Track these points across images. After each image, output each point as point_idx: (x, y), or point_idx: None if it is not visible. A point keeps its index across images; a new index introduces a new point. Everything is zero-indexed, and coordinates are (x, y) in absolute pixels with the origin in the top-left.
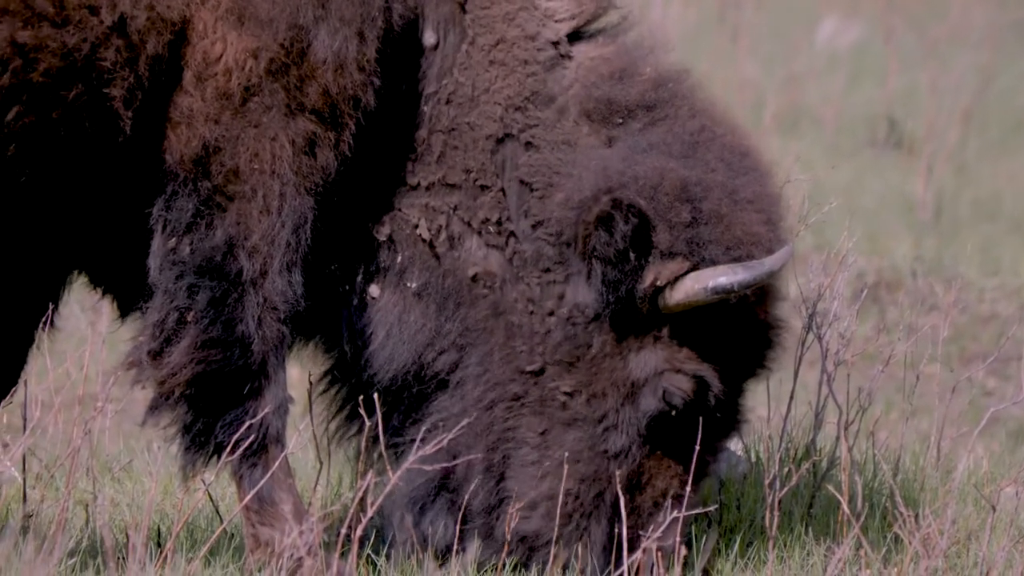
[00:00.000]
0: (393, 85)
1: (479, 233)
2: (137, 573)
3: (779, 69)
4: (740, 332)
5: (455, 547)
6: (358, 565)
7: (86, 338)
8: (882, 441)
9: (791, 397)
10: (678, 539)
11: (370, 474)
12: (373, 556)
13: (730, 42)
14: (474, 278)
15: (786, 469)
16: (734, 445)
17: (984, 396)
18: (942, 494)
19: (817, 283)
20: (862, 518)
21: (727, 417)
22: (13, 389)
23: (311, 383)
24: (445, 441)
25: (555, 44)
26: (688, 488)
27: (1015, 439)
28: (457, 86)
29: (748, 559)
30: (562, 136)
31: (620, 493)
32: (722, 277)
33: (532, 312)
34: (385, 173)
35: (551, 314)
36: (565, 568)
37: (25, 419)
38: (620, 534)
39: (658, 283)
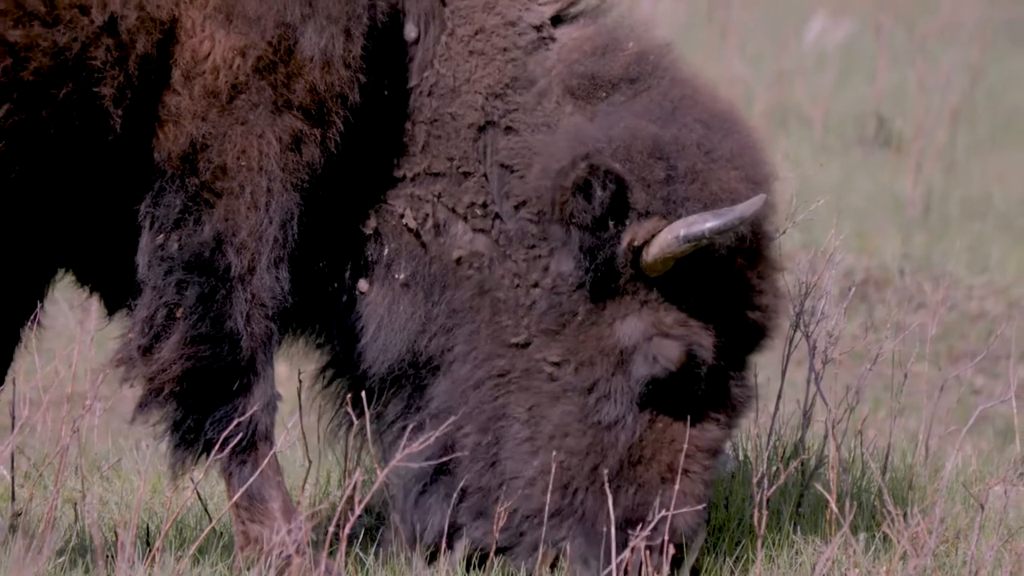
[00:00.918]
0: (377, 80)
1: (464, 218)
2: (126, 571)
3: (768, 66)
4: (732, 297)
5: (443, 544)
6: (346, 563)
7: (74, 336)
8: (870, 440)
9: (779, 395)
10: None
11: (358, 471)
12: (361, 554)
13: (719, 39)
14: (459, 260)
15: (774, 468)
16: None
17: (972, 394)
18: (930, 493)
19: (805, 281)
20: (850, 517)
21: (732, 389)
22: (1, 388)
23: (300, 380)
24: (433, 437)
25: (538, 28)
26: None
27: (1003, 437)
28: (438, 78)
29: (736, 558)
30: (542, 118)
31: (617, 463)
32: (694, 225)
33: (518, 286)
34: (370, 167)
35: (535, 286)
36: (553, 567)
37: (13, 417)
38: (610, 509)
39: (635, 243)
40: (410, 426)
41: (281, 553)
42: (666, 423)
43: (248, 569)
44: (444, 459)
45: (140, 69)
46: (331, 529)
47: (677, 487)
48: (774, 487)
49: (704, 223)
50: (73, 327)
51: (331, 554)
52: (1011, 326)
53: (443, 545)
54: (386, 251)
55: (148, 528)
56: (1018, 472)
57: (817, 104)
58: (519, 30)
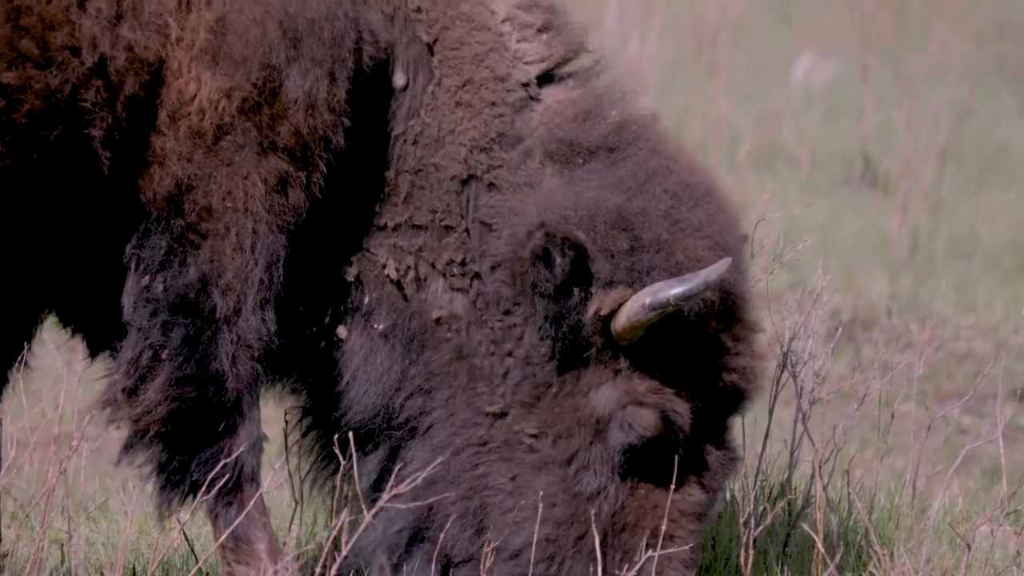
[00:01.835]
0: (363, 125)
1: (444, 275)
2: None
3: (755, 106)
4: (706, 361)
5: None
6: None
7: (61, 377)
8: (857, 479)
9: (766, 435)
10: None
11: (344, 513)
12: None
13: (706, 78)
14: (438, 321)
15: (761, 507)
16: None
17: (959, 434)
18: (917, 532)
19: (792, 321)
20: (837, 557)
21: (714, 452)
22: None
23: (287, 421)
24: (414, 484)
25: (525, 86)
26: (690, 525)
27: (990, 477)
28: (424, 127)
29: None
30: (525, 178)
31: (596, 534)
32: (659, 292)
33: (493, 354)
34: (354, 213)
35: (510, 355)
36: None
37: (0, 458)
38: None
39: (602, 312)
40: (384, 486)
41: None
42: (648, 489)
43: None
44: (423, 520)
45: (128, 110)
46: (317, 570)
47: (658, 554)
48: (761, 527)
49: (669, 290)
50: (60, 368)
51: None
52: (998, 366)
53: None
54: (367, 299)
55: (135, 569)
56: (1005, 512)
57: (804, 143)
58: (508, 86)
